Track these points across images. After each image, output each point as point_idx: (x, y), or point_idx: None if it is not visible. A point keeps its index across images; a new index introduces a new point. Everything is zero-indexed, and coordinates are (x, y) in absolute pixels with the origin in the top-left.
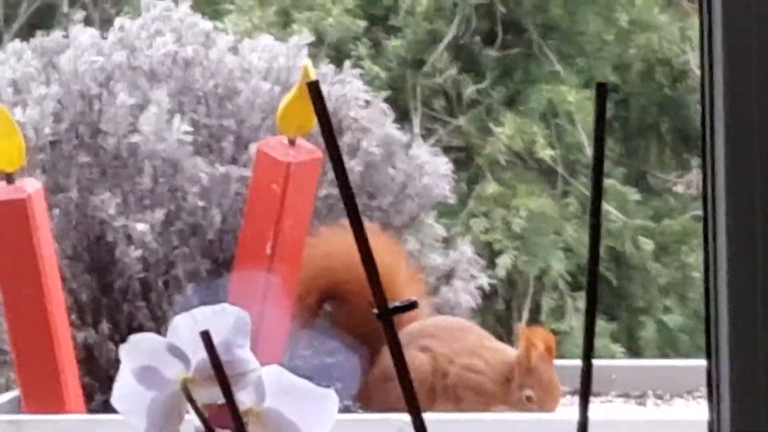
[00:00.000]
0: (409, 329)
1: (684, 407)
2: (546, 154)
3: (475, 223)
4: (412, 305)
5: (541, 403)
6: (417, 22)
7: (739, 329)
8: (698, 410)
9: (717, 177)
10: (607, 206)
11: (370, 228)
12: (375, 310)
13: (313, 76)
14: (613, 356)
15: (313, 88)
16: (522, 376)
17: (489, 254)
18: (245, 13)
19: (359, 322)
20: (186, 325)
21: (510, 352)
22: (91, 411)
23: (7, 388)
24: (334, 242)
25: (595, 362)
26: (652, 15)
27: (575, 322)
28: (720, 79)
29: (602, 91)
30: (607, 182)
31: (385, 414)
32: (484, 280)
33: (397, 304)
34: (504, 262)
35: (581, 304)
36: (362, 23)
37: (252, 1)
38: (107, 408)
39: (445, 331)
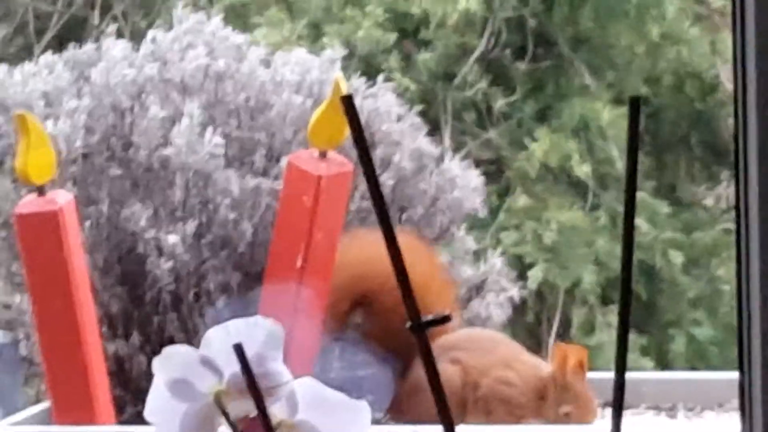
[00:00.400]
0: (439, 342)
1: (714, 420)
2: (582, 171)
3: (505, 235)
4: (445, 318)
5: (580, 418)
6: (447, 35)
7: None
8: (728, 423)
9: (750, 189)
10: (637, 219)
11: (405, 236)
12: (408, 323)
13: (344, 90)
14: (642, 370)
15: (348, 103)
16: (558, 392)
17: (520, 267)
18: (275, 26)
19: (391, 334)
20: (219, 338)
21: (542, 367)
22: (122, 423)
23: (38, 400)
24: (367, 250)
25: (627, 374)
26: (683, 28)
27: (605, 337)
28: (753, 93)
29: (635, 104)
30: (638, 195)
31: (417, 426)
32: (514, 292)
33: (430, 317)
34: (535, 274)
35: (611, 318)
36: (392, 36)
37: (282, 15)
38: (138, 420)
39: (476, 344)
